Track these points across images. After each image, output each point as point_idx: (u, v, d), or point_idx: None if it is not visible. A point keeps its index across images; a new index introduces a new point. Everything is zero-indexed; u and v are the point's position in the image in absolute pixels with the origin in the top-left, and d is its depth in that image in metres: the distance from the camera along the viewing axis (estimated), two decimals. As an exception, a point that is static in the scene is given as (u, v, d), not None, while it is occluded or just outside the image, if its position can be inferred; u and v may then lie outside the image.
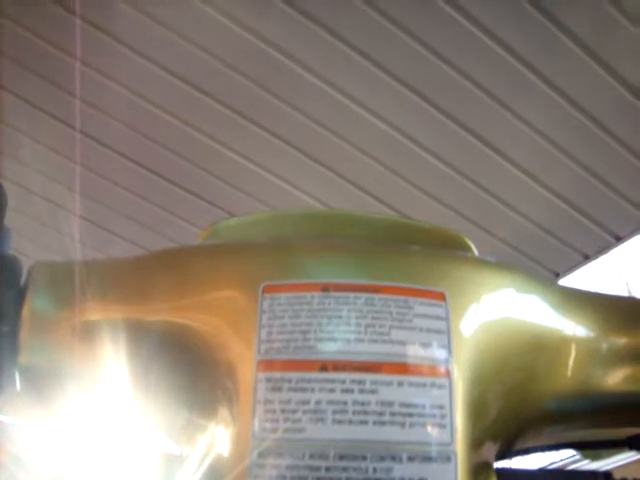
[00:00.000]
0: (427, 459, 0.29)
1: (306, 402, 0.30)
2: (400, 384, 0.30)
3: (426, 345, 0.31)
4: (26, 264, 0.36)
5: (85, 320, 0.34)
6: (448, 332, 0.32)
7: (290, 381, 0.30)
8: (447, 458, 0.30)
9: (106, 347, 0.34)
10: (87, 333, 0.34)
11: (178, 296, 0.35)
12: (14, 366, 0.34)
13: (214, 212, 1.93)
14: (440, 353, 0.32)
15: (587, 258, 2.05)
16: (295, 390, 0.30)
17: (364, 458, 0.29)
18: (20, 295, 0.34)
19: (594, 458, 0.50)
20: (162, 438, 0.38)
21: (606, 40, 1.51)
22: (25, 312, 0.34)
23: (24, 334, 0.34)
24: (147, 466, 0.36)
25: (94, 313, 0.35)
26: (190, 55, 1.59)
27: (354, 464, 0.29)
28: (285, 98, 1.68)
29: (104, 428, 0.39)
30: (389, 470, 0.29)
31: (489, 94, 1.63)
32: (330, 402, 0.30)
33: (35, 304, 0.34)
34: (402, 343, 0.31)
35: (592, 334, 0.37)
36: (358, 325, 0.32)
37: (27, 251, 1.67)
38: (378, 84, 1.62)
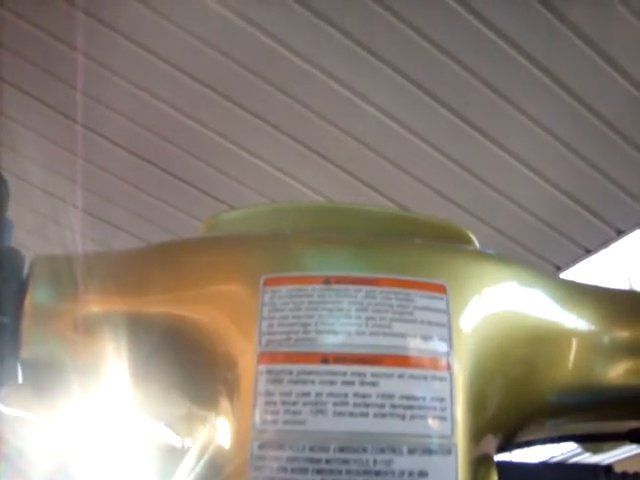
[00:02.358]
0: (427, 451, 0.29)
1: (307, 394, 0.30)
2: (401, 376, 0.30)
3: (427, 338, 0.31)
4: (26, 256, 0.36)
5: (86, 312, 0.34)
6: (449, 325, 0.32)
7: (291, 373, 0.30)
8: (447, 451, 0.30)
9: (107, 339, 0.34)
10: (88, 325, 0.34)
11: (179, 288, 0.35)
12: (16, 358, 0.34)
13: (214, 205, 1.93)
14: (441, 346, 0.32)
15: (588, 252, 2.05)
16: (296, 382, 0.30)
17: (364, 450, 0.29)
18: (22, 288, 0.34)
19: (595, 452, 0.50)
20: (163, 429, 0.38)
21: (609, 34, 1.51)
22: (27, 305, 0.34)
23: (26, 326, 0.34)
24: (148, 457, 0.36)
25: (95, 305, 0.35)
26: (190, 47, 1.59)
27: (354, 456, 0.29)
28: (285, 90, 1.68)
29: (106, 419, 0.39)
30: (389, 462, 0.29)
31: (491, 87, 1.63)
32: (331, 394, 0.30)
33: (37, 297, 0.34)
34: (403, 336, 0.31)
35: (594, 327, 0.37)
36: (359, 318, 0.32)
37: (27, 243, 1.67)
38: (377, 74, 1.62)
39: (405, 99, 1.67)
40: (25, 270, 0.35)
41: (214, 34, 1.57)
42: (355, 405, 0.30)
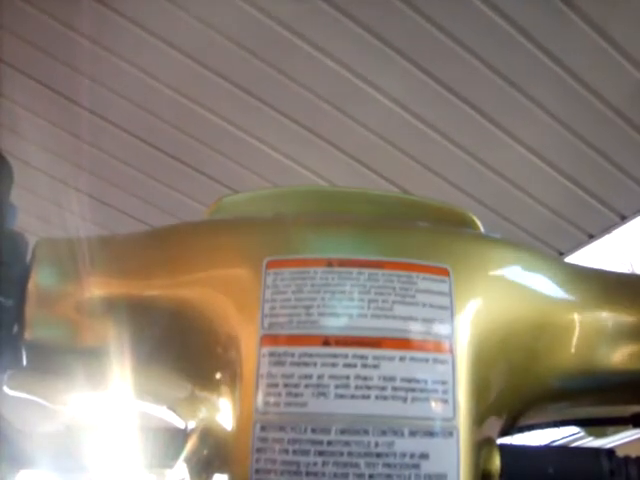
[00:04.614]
0: (429, 434, 0.30)
1: (309, 376, 0.30)
2: (402, 359, 0.30)
3: (429, 321, 0.31)
4: (30, 240, 0.36)
5: (89, 295, 0.35)
6: (451, 308, 0.32)
7: (293, 355, 0.30)
8: (449, 433, 0.30)
9: (110, 322, 0.34)
10: (91, 308, 0.34)
11: (182, 271, 0.35)
12: (20, 341, 0.34)
13: (218, 189, 1.93)
14: (443, 329, 0.32)
15: (592, 237, 2.04)
16: (298, 364, 0.30)
17: (366, 432, 0.29)
18: (25, 271, 0.35)
19: (598, 436, 0.50)
20: (166, 412, 0.38)
21: (617, 20, 1.50)
22: (31, 287, 0.34)
23: (30, 309, 0.34)
24: (151, 440, 0.36)
25: (98, 289, 0.35)
26: (196, 32, 1.58)
27: (356, 438, 0.29)
28: (290, 74, 1.68)
29: (109, 402, 0.39)
30: (391, 444, 0.29)
31: (497, 73, 1.62)
32: (332, 377, 0.30)
33: (40, 279, 0.35)
34: (405, 318, 0.31)
35: (597, 311, 0.37)
36: (361, 300, 0.32)
37: (30, 227, 1.67)
38: (386, 62, 1.61)
39: (415, 87, 1.67)
40: (28, 253, 0.35)
41: (221, 20, 1.57)
42: (357, 387, 0.30)
